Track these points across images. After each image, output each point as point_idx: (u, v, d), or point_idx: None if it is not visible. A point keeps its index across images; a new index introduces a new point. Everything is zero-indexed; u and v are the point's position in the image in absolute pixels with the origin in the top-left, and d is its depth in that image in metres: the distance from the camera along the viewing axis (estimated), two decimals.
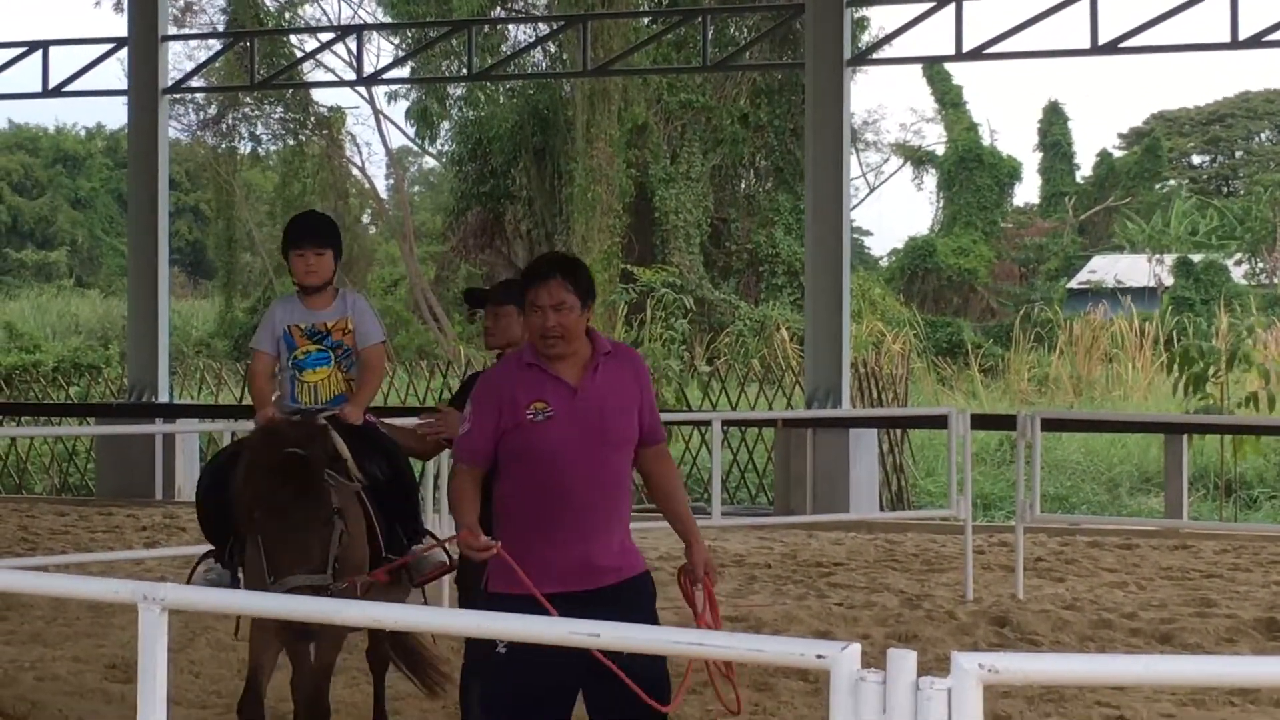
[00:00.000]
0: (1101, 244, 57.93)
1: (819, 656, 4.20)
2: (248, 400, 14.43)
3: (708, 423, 18.65)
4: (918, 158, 54.32)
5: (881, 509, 20.99)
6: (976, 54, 21.71)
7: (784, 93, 40.92)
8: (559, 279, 7.00)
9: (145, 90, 23.41)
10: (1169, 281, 48.35)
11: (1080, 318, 37.37)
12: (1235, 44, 20.73)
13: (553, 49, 40.47)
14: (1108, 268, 53.79)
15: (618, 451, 7.03)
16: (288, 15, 45.50)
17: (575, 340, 7.00)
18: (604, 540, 6.93)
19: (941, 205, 52.62)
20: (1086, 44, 20.96)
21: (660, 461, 7.22)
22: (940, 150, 53.42)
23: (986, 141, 52.39)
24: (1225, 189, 74.56)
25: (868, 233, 67.06)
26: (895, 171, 55.38)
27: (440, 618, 6.00)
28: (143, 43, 23.49)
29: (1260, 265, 50.60)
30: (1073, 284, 52.63)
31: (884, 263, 57.84)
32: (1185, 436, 19.21)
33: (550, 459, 6.91)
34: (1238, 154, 78.65)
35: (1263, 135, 79.06)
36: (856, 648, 4.14)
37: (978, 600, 14.32)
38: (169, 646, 4.85)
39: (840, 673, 4.12)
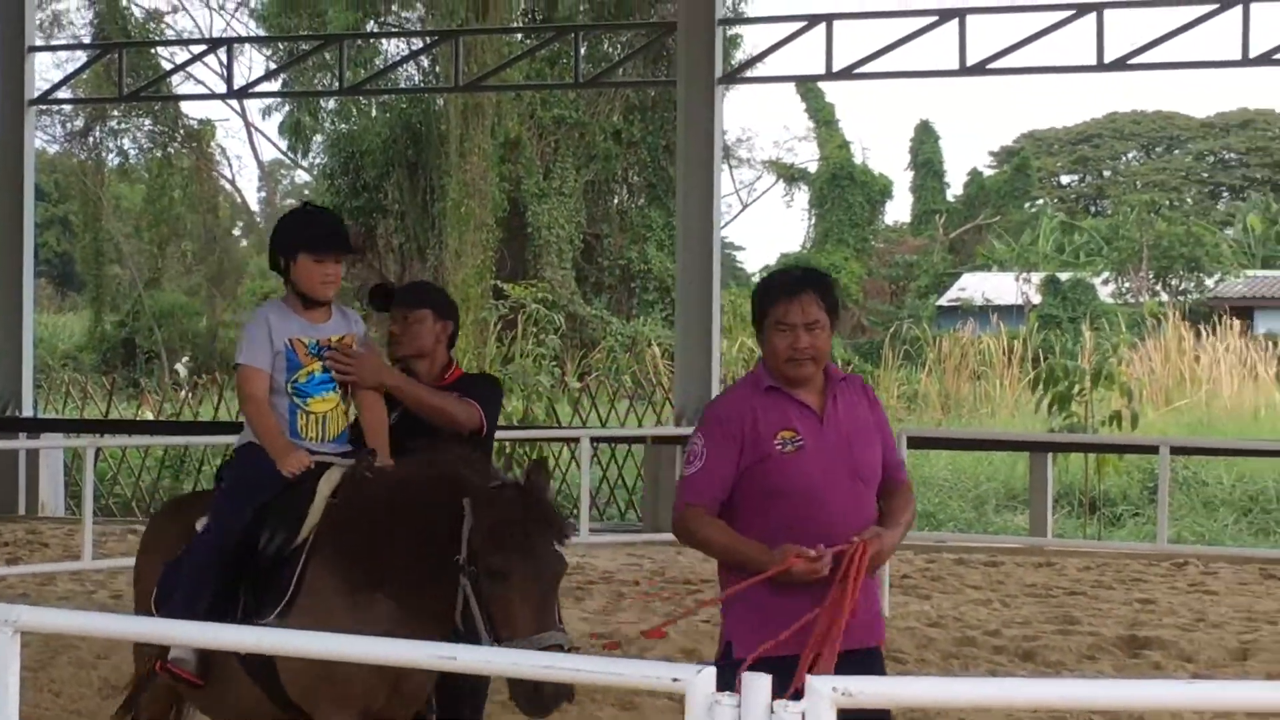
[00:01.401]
0: (971, 262, 58.45)
1: (674, 680, 4.21)
2: (120, 414, 13.37)
3: (577, 439, 18.64)
4: (790, 175, 54.64)
5: None
6: (847, 73, 21.87)
7: (657, 109, 41.02)
8: (812, 294, 6.34)
9: (11, 102, 23.11)
10: (1037, 300, 48.84)
11: (949, 335, 37.69)
12: (1101, 66, 21.00)
13: (425, 63, 40.37)
14: (977, 286, 54.25)
15: (869, 488, 6.37)
16: (156, 26, 45.06)
17: (824, 363, 6.37)
18: (863, 589, 6.18)
19: (813, 222, 52.93)
20: (955, 65, 21.16)
21: (904, 503, 6.51)
22: (813, 168, 53.75)
23: (858, 160, 52.78)
24: (1093, 208, 75.52)
25: (741, 249, 67.54)
26: (768, 189, 55.77)
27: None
28: (9, 53, 23.18)
29: (1127, 284, 51.21)
30: (942, 301, 53.05)
31: (757, 279, 58.02)
32: (1050, 455, 19.43)
33: (806, 494, 6.22)
34: (1105, 173, 79.69)
35: (1129, 155, 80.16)
36: (711, 671, 4.15)
37: None
38: (27, 665, 4.78)
39: (695, 696, 4.13)
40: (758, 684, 4.07)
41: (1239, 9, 20.12)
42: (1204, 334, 36.02)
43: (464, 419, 7.72)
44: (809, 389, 6.35)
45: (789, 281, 6.44)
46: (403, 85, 40.14)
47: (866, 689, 4.15)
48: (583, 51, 23.87)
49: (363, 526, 6.92)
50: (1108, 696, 4.58)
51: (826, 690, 4.07)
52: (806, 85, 50.50)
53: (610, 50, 39.45)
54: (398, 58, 37.34)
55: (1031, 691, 4.74)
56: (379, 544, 6.86)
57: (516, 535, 6.50)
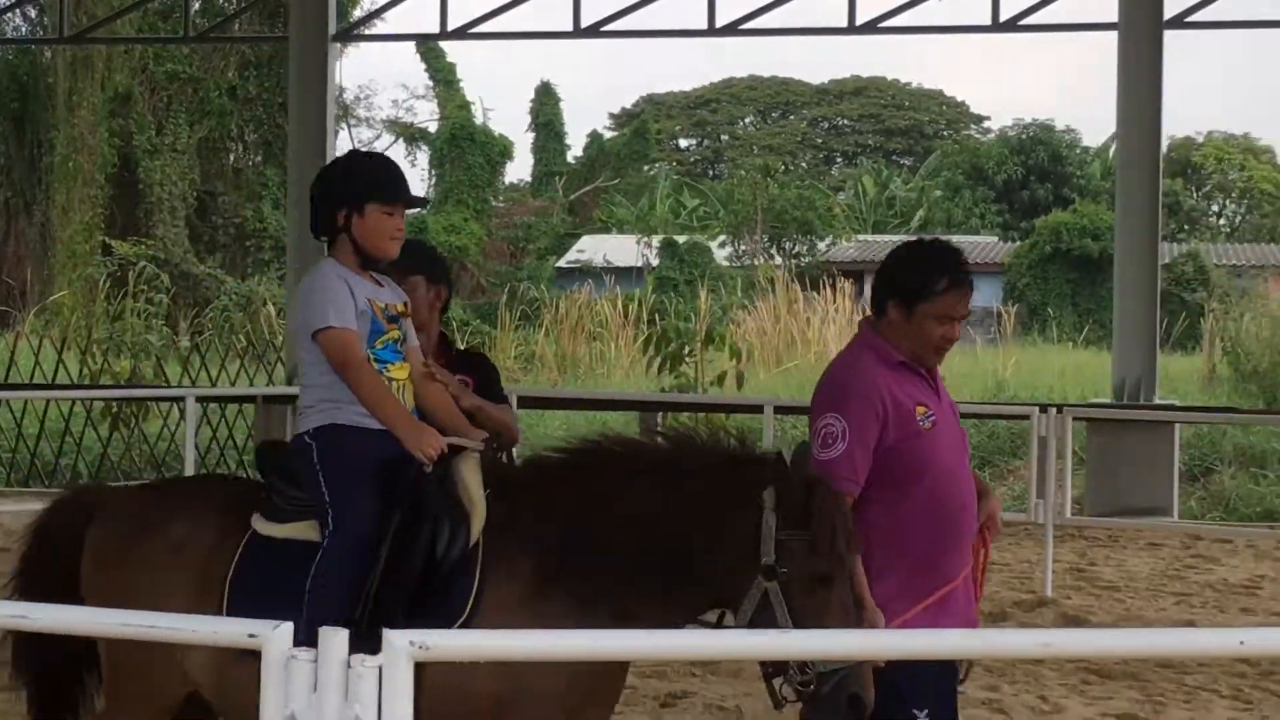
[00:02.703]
0: (591, 224, 58.96)
1: (251, 636, 4.13)
2: None
3: (183, 399, 18.26)
4: (410, 135, 54.38)
5: None
6: (462, 33, 21.85)
7: (273, 66, 40.45)
8: (970, 286, 6.13)
9: None
10: (655, 262, 49.46)
11: (566, 297, 37.94)
12: (713, 31, 21.34)
13: (33, 13, 39.18)
14: (596, 247, 54.76)
15: (967, 460, 6.21)
16: None
17: None
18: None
19: (434, 183, 52.79)
20: (570, 26, 21.29)
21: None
22: (433, 128, 53.58)
23: (479, 120, 52.77)
24: (710, 172, 76.78)
25: None
26: (388, 148, 55.34)
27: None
28: None
29: (742, 247, 52.13)
30: (561, 263, 53.42)
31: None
32: (659, 414, 19.67)
33: (947, 471, 5.99)
34: (723, 138, 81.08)
35: (746, 120, 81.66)
36: (289, 627, 4.07)
37: None
38: None
39: (272, 652, 4.05)
40: (335, 639, 4.01)
41: None
42: (816, 297, 36.83)
43: (515, 428, 7.02)
44: None
45: (960, 272, 6.14)
46: (9, 35, 38.87)
47: (443, 642, 4.12)
48: (196, 5, 23.36)
49: (564, 527, 5.95)
50: (706, 646, 4.62)
51: (404, 644, 4.02)
52: (427, 44, 50.32)
53: (226, 4, 38.76)
54: (1, 6, 36.15)
55: (621, 643, 4.76)
56: (603, 549, 5.87)
57: (844, 535, 5.65)
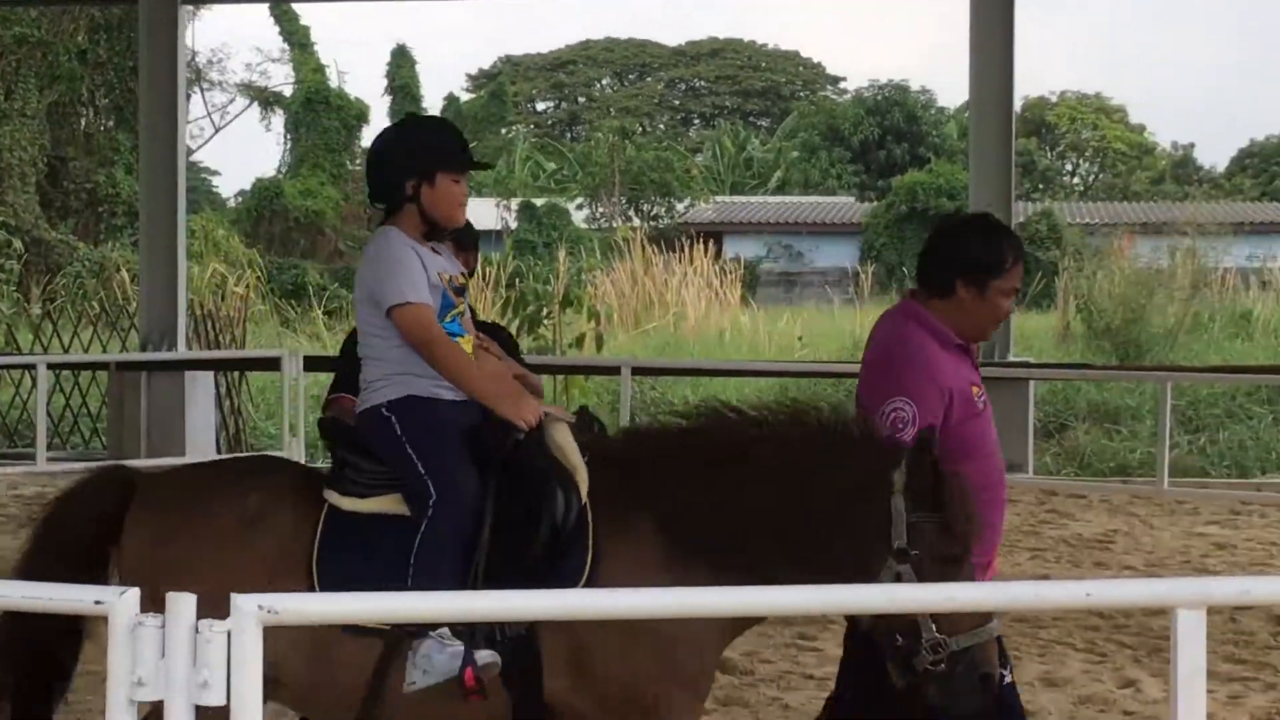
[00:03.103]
0: None
1: (97, 602, 4.09)
2: None
3: (34, 366, 18.05)
4: (265, 98, 53.85)
5: (219, 452, 20.76)
6: None
7: (123, 29, 39.83)
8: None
9: None
10: (514, 225, 49.36)
11: None
12: None
13: None
14: None
15: None
16: None
17: None
18: None
19: (289, 147, 52.37)
20: None
21: None
22: (288, 91, 53.11)
23: (334, 83, 52.36)
24: (569, 134, 76.71)
25: (216, 173, 66.27)
26: (242, 111, 54.81)
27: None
28: None
29: (600, 210, 52.16)
30: None
31: (232, 204, 57.27)
32: None
33: (995, 452, 6.07)
34: (580, 100, 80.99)
35: (604, 82, 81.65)
36: (135, 592, 4.03)
37: None
38: None
39: (118, 618, 4.01)
40: (182, 604, 3.97)
41: None
42: (674, 258, 36.92)
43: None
44: None
45: (1016, 245, 6.28)
46: None
47: (291, 605, 4.10)
48: None
49: (678, 493, 5.87)
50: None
51: (252, 608, 3.99)
52: (281, 7, 49.83)
53: None
54: None
55: (451, 605, 4.76)
56: (718, 518, 5.81)
57: (974, 514, 5.69)
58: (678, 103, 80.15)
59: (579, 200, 52.37)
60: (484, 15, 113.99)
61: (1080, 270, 32.76)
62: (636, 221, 50.17)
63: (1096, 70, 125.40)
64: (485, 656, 5.69)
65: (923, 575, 5.57)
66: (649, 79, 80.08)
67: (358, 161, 52.90)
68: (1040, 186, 65.89)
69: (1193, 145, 74.70)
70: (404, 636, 5.75)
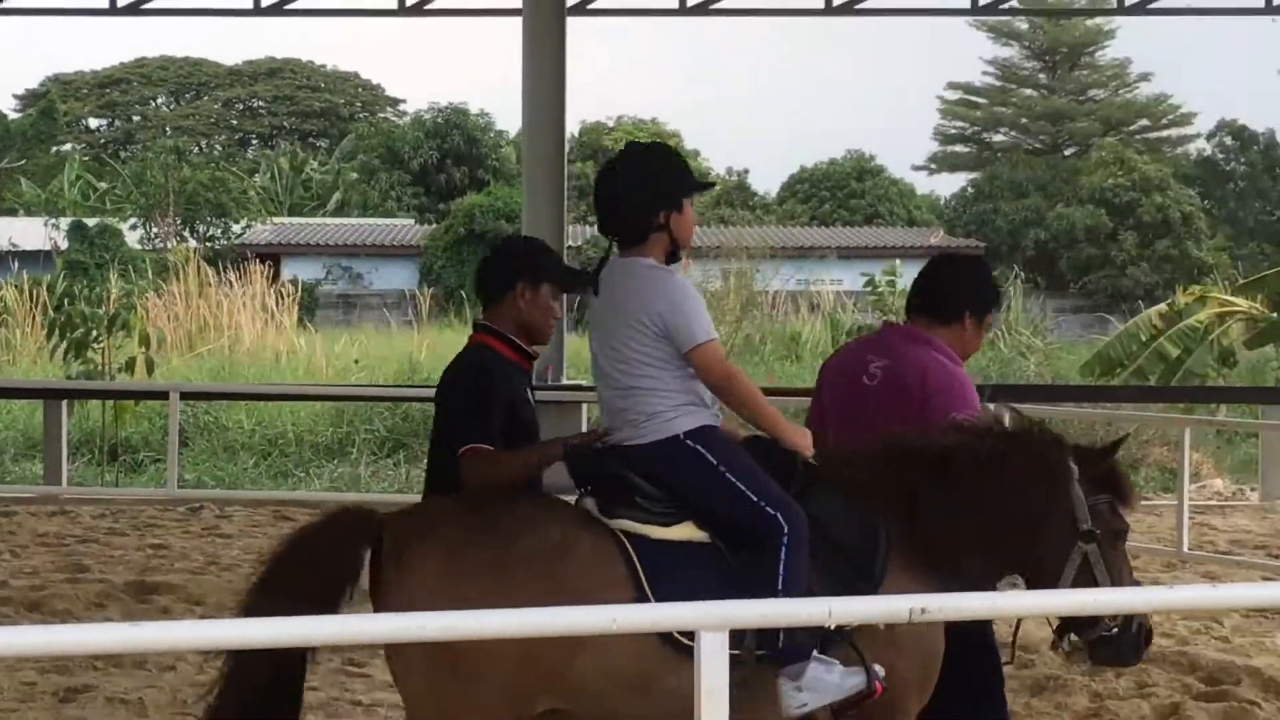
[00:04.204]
0: None
1: None
2: None
3: None
4: None
5: None
6: None
7: None
8: None
9: None
10: (64, 245, 48.03)
11: None
12: (115, 10, 20.87)
13: None
14: (2, 231, 52.90)
15: None
16: None
17: None
18: None
19: None
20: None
21: None
22: None
23: None
24: (122, 153, 75.02)
25: None
26: None
27: None
28: None
29: (154, 230, 51.11)
30: None
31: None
32: (65, 402, 19.20)
33: None
34: (135, 118, 79.39)
35: (158, 101, 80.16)
36: None
37: None
38: None
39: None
40: None
41: None
42: (231, 280, 36.40)
43: None
44: None
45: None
46: None
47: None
48: None
49: (909, 505, 6.44)
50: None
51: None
52: None
53: None
54: None
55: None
56: (943, 526, 6.43)
57: (1130, 489, 6.64)
58: (235, 122, 79.14)
59: (133, 220, 51.20)
60: (29, 33, 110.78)
61: None
62: (192, 243, 49.25)
63: (654, 97, 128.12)
64: (878, 670, 6.09)
65: (1103, 551, 6.45)
66: (205, 98, 78.88)
67: None
68: None
69: (747, 171, 76.59)
70: (770, 662, 6.05)
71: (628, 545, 6.19)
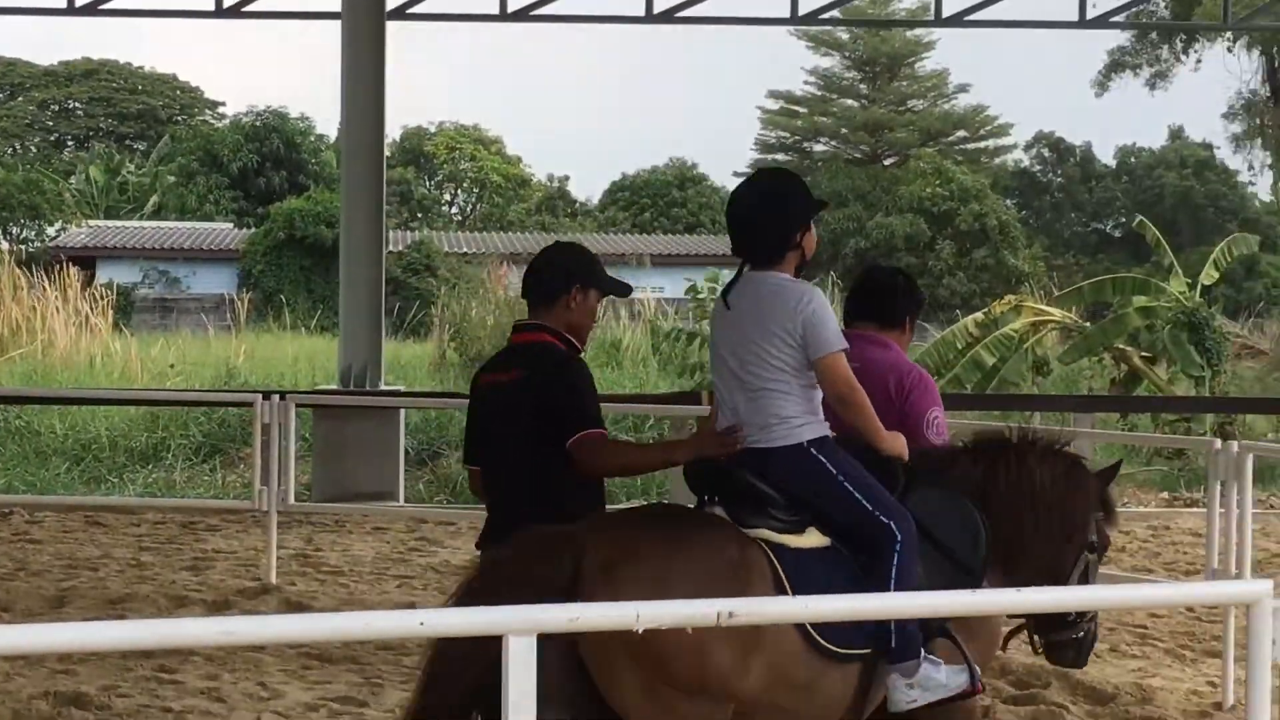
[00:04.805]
0: None
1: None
2: None
3: None
4: None
5: None
6: None
7: None
8: None
9: None
10: None
11: None
12: None
13: None
14: None
15: None
16: None
17: None
18: None
19: None
20: None
21: None
22: None
23: None
24: None
25: None
26: None
27: None
28: None
29: None
30: None
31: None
32: None
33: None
34: None
35: None
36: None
37: None
38: None
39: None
40: None
41: None
42: (44, 284, 35.75)
43: None
44: None
45: None
46: None
47: None
48: None
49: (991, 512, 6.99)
50: None
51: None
52: None
53: None
54: None
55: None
56: (1019, 530, 7.03)
57: (1115, 508, 7.34)
58: (50, 124, 77.79)
59: None
60: None
61: (455, 299, 33.19)
62: (5, 245, 48.41)
63: (476, 104, 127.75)
64: (978, 670, 6.61)
65: (1098, 561, 7.20)
66: (20, 99, 77.46)
67: None
68: (419, 215, 66.55)
69: (568, 178, 76.55)
70: (880, 659, 6.50)
71: (770, 555, 6.48)
